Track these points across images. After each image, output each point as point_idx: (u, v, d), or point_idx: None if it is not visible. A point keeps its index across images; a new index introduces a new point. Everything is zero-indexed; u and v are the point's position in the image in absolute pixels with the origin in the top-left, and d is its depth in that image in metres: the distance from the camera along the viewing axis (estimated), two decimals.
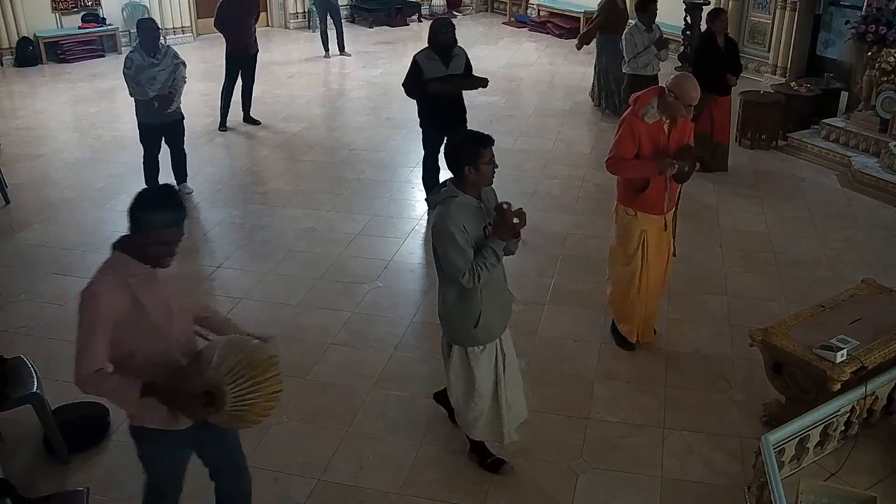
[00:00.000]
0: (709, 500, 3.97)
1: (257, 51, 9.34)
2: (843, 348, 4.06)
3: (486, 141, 3.62)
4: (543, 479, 4.09)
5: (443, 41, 6.55)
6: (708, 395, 4.74)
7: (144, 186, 2.97)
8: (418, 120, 6.90)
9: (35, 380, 4.18)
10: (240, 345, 3.00)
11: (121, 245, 2.92)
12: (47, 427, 4.16)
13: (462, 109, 6.80)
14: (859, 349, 4.13)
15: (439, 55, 6.55)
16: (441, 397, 4.38)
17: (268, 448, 4.28)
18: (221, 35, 9.25)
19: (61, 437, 4.17)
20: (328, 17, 12.57)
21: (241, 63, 9.21)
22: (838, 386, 3.99)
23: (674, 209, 4.94)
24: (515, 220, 3.59)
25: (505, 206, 3.61)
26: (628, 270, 4.92)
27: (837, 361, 4.01)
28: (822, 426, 3.98)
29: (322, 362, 5.03)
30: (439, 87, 6.49)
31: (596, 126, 9.48)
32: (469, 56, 6.82)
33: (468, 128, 6.78)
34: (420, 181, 7.17)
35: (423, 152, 6.99)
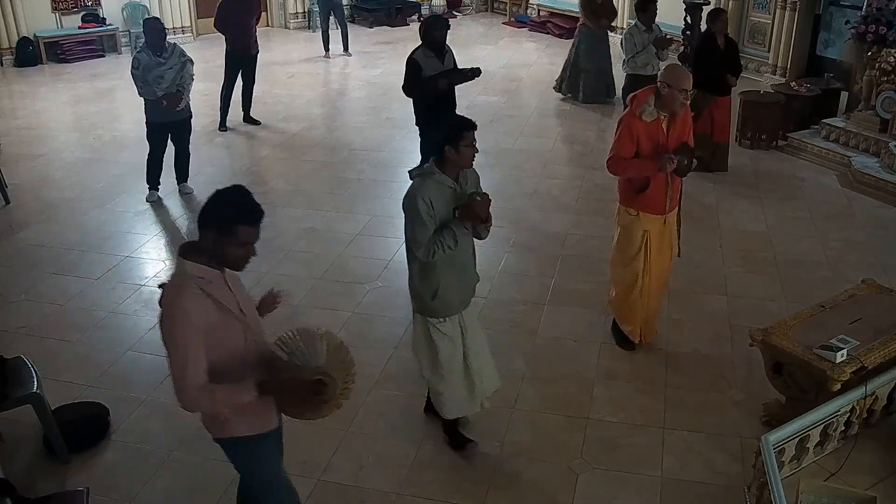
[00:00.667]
0: (709, 500, 3.97)
1: (258, 51, 9.34)
2: (843, 348, 4.06)
3: (468, 124, 3.76)
4: (543, 479, 4.10)
5: (438, 38, 6.61)
6: (708, 395, 4.74)
7: (221, 188, 2.87)
8: (415, 119, 6.91)
9: (35, 380, 4.17)
10: (313, 334, 2.98)
11: (188, 252, 2.82)
12: (47, 427, 4.16)
13: (454, 105, 6.89)
14: (859, 349, 4.13)
15: (435, 52, 6.60)
16: (431, 407, 4.42)
17: None
18: (222, 35, 9.25)
19: (61, 437, 4.17)
20: (331, 17, 12.56)
21: (241, 63, 9.21)
22: (838, 386, 3.99)
23: (677, 209, 4.93)
24: (478, 200, 3.75)
25: (479, 197, 3.77)
26: (631, 271, 4.91)
27: (837, 361, 4.01)
28: (822, 426, 3.98)
29: None
30: (446, 83, 6.52)
31: (596, 126, 9.48)
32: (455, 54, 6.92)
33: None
34: None
35: (420, 155, 7.00)
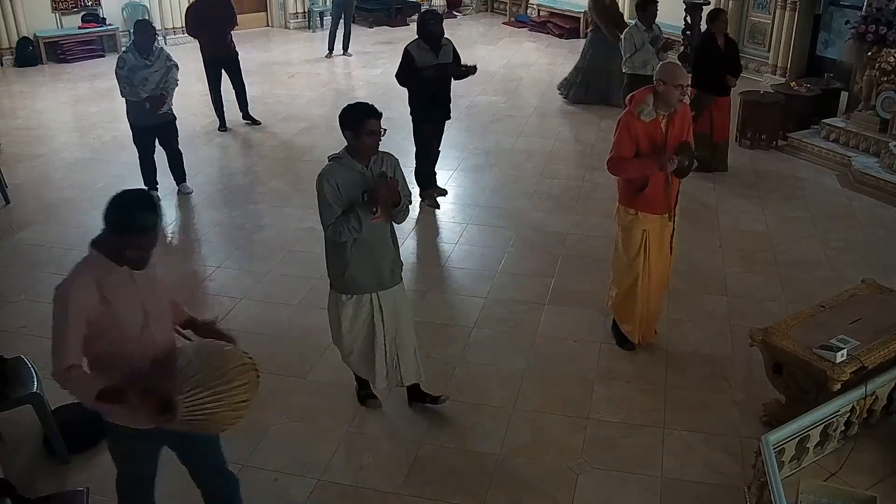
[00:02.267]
0: (709, 500, 3.97)
1: (236, 53, 9.20)
2: (843, 348, 4.06)
3: (371, 112, 3.86)
4: (543, 479, 4.09)
5: (431, 30, 6.70)
6: (708, 395, 4.74)
7: (123, 189, 2.93)
8: (409, 110, 6.99)
9: (35, 380, 4.18)
10: (206, 351, 2.97)
11: (97, 244, 2.93)
12: (47, 427, 4.16)
13: (449, 100, 6.99)
14: (859, 349, 4.13)
15: (429, 45, 6.69)
16: (412, 397, 4.59)
17: (268, 448, 4.28)
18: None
19: (61, 437, 4.17)
20: (341, 17, 12.52)
21: (221, 66, 9.09)
22: (838, 386, 3.99)
23: (672, 209, 4.92)
24: (383, 184, 3.85)
25: (388, 179, 3.88)
26: (632, 272, 4.90)
27: (837, 361, 4.01)
28: (822, 426, 3.98)
29: (322, 362, 5.03)
30: (433, 72, 6.63)
31: (596, 126, 9.48)
32: (457, 48, 6.97)
33: (445, 120, 7.07)
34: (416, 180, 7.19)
35: (415, 147, 7.07)
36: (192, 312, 3.35)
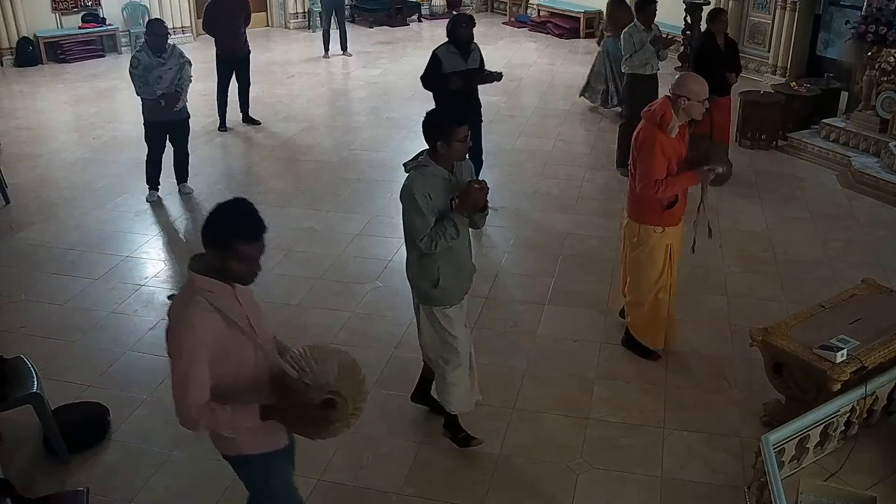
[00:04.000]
0: (709, 500, 3.97)
1: (249, 52, 9.30)
2: (843, 348, 4.06)
3: (461, 119, 3.81)
4: (543, 479, 4.09)
5: (462, 35, 6.61)
6: (708, 395, 4.74)
7: (222, 201, 2.75)
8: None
9: (35, 380, 4.17)
10: (326, 351, 2.92)
11: (198, 266, 2.73)
12: (47, 427, 4.16)
13: (478, 104, 6.89)
14: (859, 349, 4.13)
15: (459, 49, 6.61)
16: (419, 396, 4.51)
17: None
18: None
19: (61, 437, 4.17)
20: (333, 17, 12.55)
21: (233, 65, 9.17)
22: (838, 386, 3.99)
23: (702, 208, 4.90)
24: (476, 187, 3.78)
25: (477, 185, 3.80)
26: (659, 287, 4.81)
27: (837, 361, 4.01)
28: (822, 426, 3.97)
29: None
30: (460, 83, 6.52)
31: (596, 126, 9.48)
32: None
33: (476, 124, 6.90)
34: None
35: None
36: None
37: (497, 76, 6.81)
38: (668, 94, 4.56)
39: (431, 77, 6.63)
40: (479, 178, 3.94)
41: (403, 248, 6.73)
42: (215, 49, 9.18)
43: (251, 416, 2.72)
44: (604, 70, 9.78)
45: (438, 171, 3.81)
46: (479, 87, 6.91)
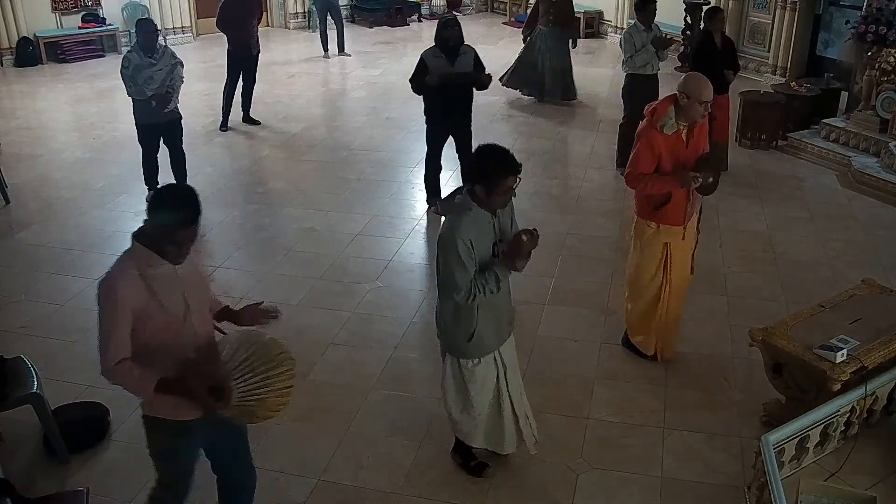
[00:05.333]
0: (709, 500, 3.97)
1: (259, 51, 9.36)
2: (843, 348, 4.06)
3: (513, 167, 3.37)
4: (543, 479, 4.09)
5: (446, 37, 6.59)
6: (708, 395, 4.73)
7: (165, 184, 3.04)
8: (424, 117, 6.91)
9: (35, 380, 4.17)
10: (252, 339, 3.03)
11: (140, 237, 2.93)
12: (47, 427, 4.16)
13: (468, 109, 6.85)
14: (859, 349, 4.13)
15: (444, 53, 6.59)
16: (458, 452, 4.17)
17: (268, 448, 4.28)
18: (223, 35, 9.26)
19: (61, 437, 4.17)
20: (328, 17, 12.57)
21: (243, 63, 9.22)
22: (838, 386, 3.99)
23: (696, 224, 4.82)
24: (525, 240, 3.47)
25: (525, 236, 3.48)
26: (652, 286, 4.78)
27: (837, 361, 4.01)
28: (822, 426, 3.97)
29: (322, 362, 5.03)
30: (437, 80, 6.51)
31: (596, 126, 9.48)
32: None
33: (461, 128, 6.85)
34: (421, 181, 7.17)
35: (424, 151, 7.02)
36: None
37: (484, 78, 6.72)
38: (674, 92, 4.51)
39: (417, 79, 6.65)
40: (531, 228, 3.56)
41: (403, 247, 6.76)
42: (228, 46, 9.19)
43: (150, 383, 2.89)
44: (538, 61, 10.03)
45: (481, 214, 3.46)
46: (477, 91, 6.86)
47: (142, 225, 2.95)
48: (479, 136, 8.99)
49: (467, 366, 3.74)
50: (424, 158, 7.08)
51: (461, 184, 6.41)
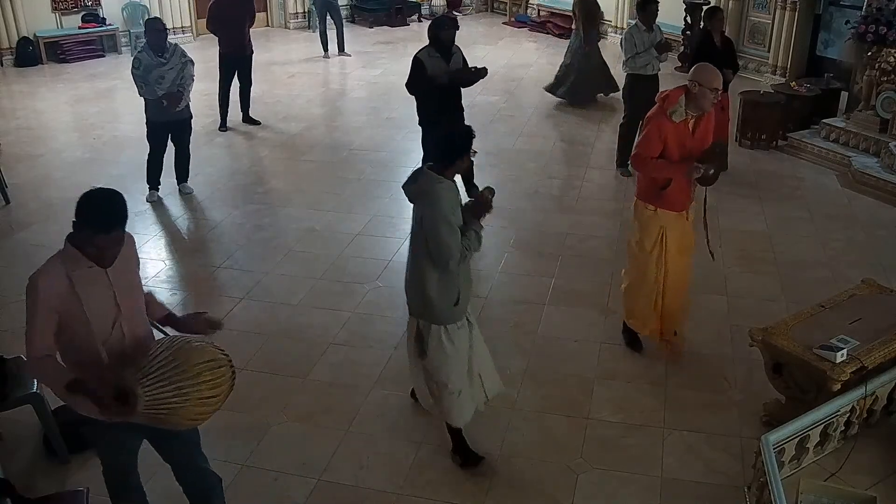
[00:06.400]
0: (709, 500, 3.97)
1: (252, 52, 9.30)
2: (843, 348, 4.06)
3: (473, 135, 3.91)
4: (543, 479, 4.10)
5: (444, 38, 6.57)
6: (708, 395, 4.74)
7: (93, 187, 3.03)
8: (418, 119, 6.88)
9: (35, 380, 4.17)
10: (175, 347, 2.97)
11: (71, 238, 2.97)
12: (47, 427, 4.16)
13: (461, 108, 6.83)
14: (859, 349, 4.13)
15: (440, 52, 6.56)
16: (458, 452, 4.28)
17: (268, 448, 4.28)
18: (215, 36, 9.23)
19: (61, 437, 4.17)
20: (328, 17, 12.57)
21: (236, 64, 9.17)
22: (838, 386, 3.99)
23: (703, 213, 4.90)
24: (489, 196, 3.89)
25: (488, 192, 3.90)
26: (643, 264, 4.88)
27: (837, 361, 4.01)
28: (822, 426, 3.98)
29: (322, 362, 5.03)
30: (448, 78, 6.47)
31: (596, 126, 9.48)
32: (464, 54, 6.85)
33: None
34: None
35: (423, 152, 6.99)
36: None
37: (482, 72, 6.72)
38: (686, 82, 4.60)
39: (415, 81, 6.59)
40: (487, 186, 4.01)
41: (403, 247, 6.74)
42: (219, 48, 9.17)
43: (61, 381, 2.90)
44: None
45: (451, 185, 3.84)
46: (471, 87, 6.85)
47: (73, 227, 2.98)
48: (480, 136, 8.98)
49: (455, 329, 3.99)
50: (422, 161, 7.04)
51: (460, 180, 6.37)
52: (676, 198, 4.68)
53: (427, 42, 6.67)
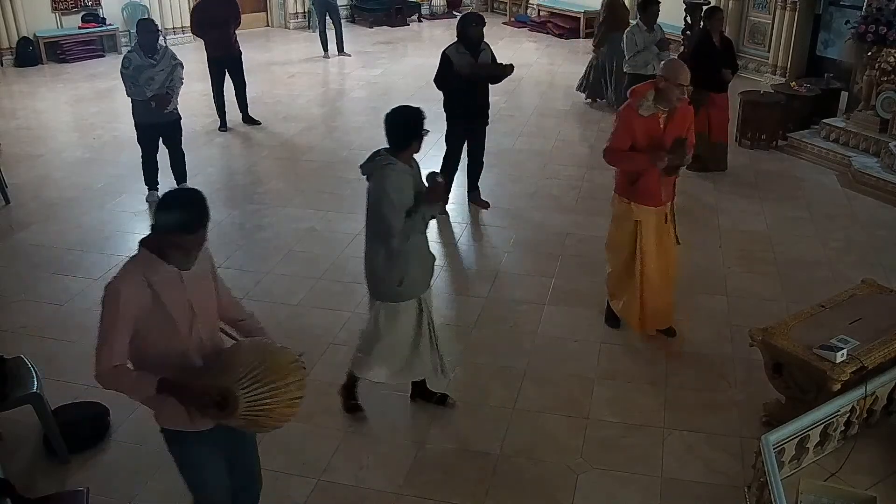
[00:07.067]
0: (709, 500, 3.97)
1: (240, 53, 9.24)
2: (843, 348, 4.06)
3: (423, 116, 4.01)
4: (543, 479, 4.09)
5: (472, 34, 6.60)
6: (708, 395, 4.74)
7: (173, 188, 2.94)
8: (444, 115, 6.87)
9: (35, 380, 4.17)
10: (261, 348, 2.97)
11: (146, 242, 2.90)
12: (47, 427, 4.16)
13: (487, 105, 6.91)
14: (859, 349, 4.13)
15: (468, 49, 6.59)
16: (418, 394, 4.61)
17: (268, 448, 4.27)
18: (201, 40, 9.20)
19: (61, 437, 4.17)
20: (327, 17, 12.57)
21: (225, 66, 9.13)
22: (838, 386, 3.99)
23: (671, 202, 5.00)
24: (440, 180, 4.03)
25: (439, 178, 4.02)
26: (621, 255, 5.05)
27: (837, 361, 4.01)
28: (822, 426, 3.98)
29: (322, 362, 5.03)
30: (471, 70, 6.50)
31: (596, 125, 9.48)
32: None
33: (483, 126, 7.02)
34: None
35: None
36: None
37: (509, 69, 6.75)
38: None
39: (443, 77, 6.63)
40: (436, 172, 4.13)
41: None
42: (206, 51, 9.13)
43: (149, 386, 2.82)
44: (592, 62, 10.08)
45: (404, 167, 3.97)
46: (491, 86, 6.85)
47: (149, 231, 2.91)
48: None
49: (395, 308, 4.17)
50: (444, 157, 7.05)
51: (465, 183, 6.49)
52: (649, 192, 4.79)
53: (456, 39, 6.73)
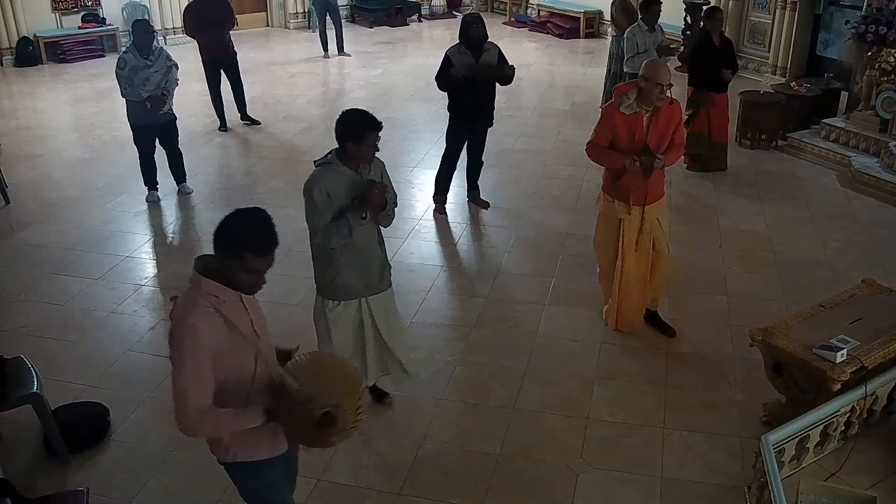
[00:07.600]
0: (709, 500, 3.97)
1: (234, 53, 9.21)
2: (843, 348, 4.06)
3: (375, 124, 3.88)
4: (543, 479, 4.09)
5: (473, 34, 6.59)
6: (708, 395, 4.74)
7: (237, 209, 2.77)
8: (448, 114, 6.89)
9: (35, 380, 4.17)
10: (328, 362, 2.90)
11: (205, 269, 2.69)
12: (47, 427, 4.16)
13: (491, 106, 6.87)
14: (859, 349, 4.13)
15: (470, 49, 6.59)
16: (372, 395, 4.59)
17: None
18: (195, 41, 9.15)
19: (61, 437, 4.17)
20: (327, 17, 12.58)
21: (220, 67, 9.11)
22: (838, 386, 3.99)
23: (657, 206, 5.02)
24: (373, 189, 3.86)
25: (376, 186, 3.88)
26: (606, 254, 5.13)
27: (837, 361, 4.01)
28: (822, 426, 3.98)
29: None
30: (465, 72, 6.49)
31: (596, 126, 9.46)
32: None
33: (485, 128, 6.95)
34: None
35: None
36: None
37: (507, 70, 6.73)
38: None
39: (443, 77, 6.63)
40: (380, 181, 3.99)
41: (403, 247, 6.77)
42: (200, 53, 9.09)
43: (255, 417, 2.68)
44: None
45: (342, 169, 3.88)
46: (499, 88, 6.84)
47: (205, 256, 2.74)
48: None
49: (328, 306, 4.13)
50: (442, 155, 7.06)
51: (465, 184, 6.49)
52: (629, 190, 4.85)
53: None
